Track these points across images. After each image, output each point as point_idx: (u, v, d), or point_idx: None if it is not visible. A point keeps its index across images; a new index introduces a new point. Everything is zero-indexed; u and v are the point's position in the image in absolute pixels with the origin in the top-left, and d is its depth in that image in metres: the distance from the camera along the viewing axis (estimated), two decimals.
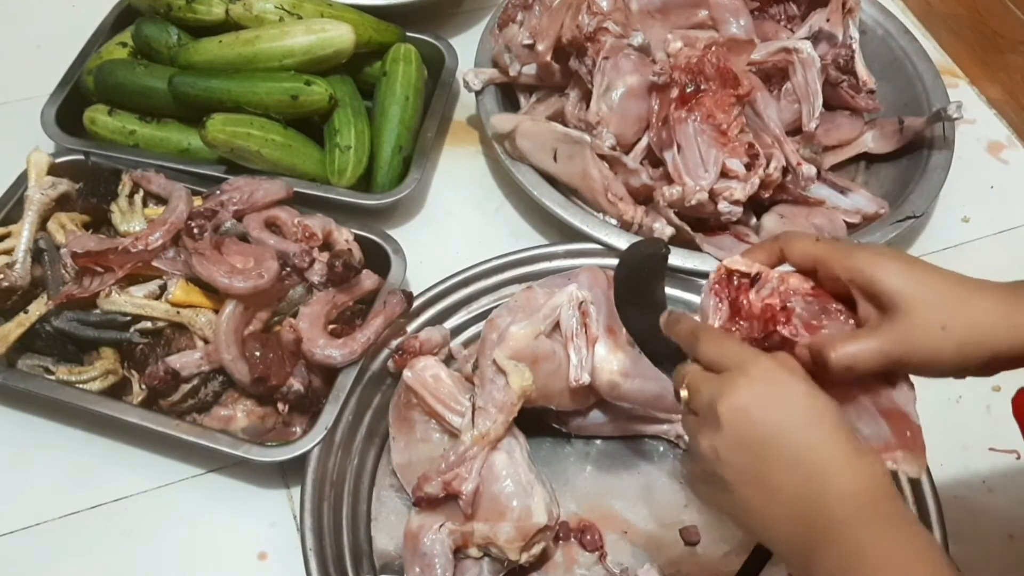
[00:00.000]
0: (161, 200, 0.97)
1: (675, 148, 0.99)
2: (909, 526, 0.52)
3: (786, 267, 0.64)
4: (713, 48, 1.03)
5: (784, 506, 0.54)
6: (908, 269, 0.58)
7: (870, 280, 0.58)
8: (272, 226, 0.95)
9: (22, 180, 0.99)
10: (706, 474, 0.57)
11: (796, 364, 0.57)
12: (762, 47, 1.05)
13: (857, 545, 0.51)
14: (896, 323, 0.56)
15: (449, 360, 0.91)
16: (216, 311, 0.88)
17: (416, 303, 0.93)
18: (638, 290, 0.77)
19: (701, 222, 1.01)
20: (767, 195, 1.02)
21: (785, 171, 1.01)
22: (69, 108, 1.09)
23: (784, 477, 0.53)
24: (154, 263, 0.89)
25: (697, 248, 0.99)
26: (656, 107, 1.02)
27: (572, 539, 0.86)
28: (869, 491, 0.52)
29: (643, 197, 1.03)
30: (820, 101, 1.03)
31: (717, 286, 0.64)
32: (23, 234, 0.94)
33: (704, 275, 0.99)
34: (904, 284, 0.57)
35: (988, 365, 0.57)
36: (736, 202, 0.98)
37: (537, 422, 0.89)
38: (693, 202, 0.97)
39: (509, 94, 1.16)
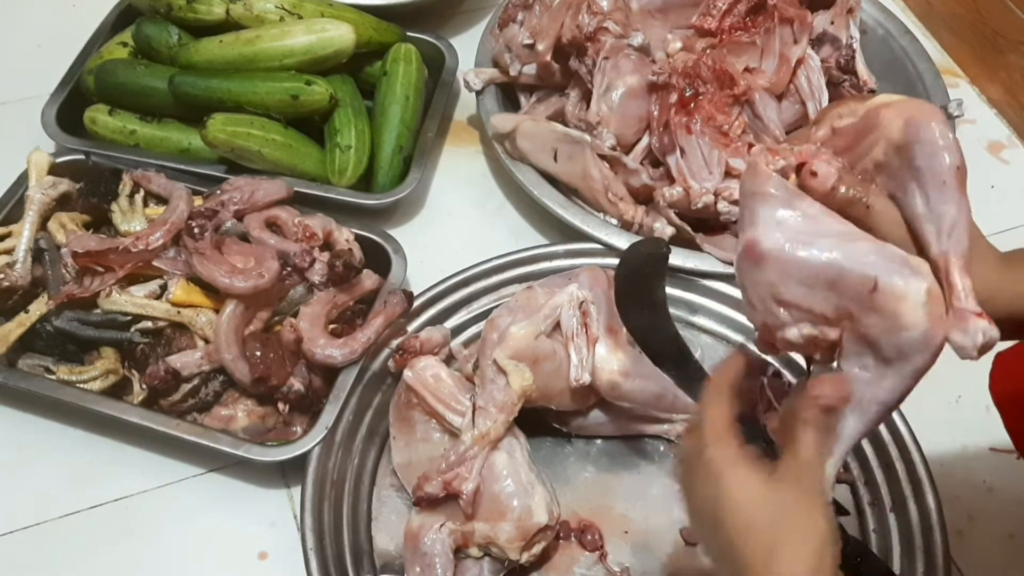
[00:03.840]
0: (161, 200, 0.97)
1: (678, 152, 0.99)
2: None
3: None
4: (709, 51, 1.03)
5: None
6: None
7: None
8: (272, 226, 0.95)
9: (23, 180, 0.99)
10: (702, 518, 0.58)
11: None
12: (766, 65, 1.05)
13: None
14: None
15: (449, 360, 0.91)
16: (216, 311, 0.88)
17: (416, 303, 0.93)
18: (639, 290, 0.77)
19: (701, 222, 1.01)
20: None
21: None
22: (69, 108, 1.09)
23: None
24: (154, 263, 0.89)
25: (697, 248, 0.99)
26: (656, 111, 1.02)
27: (572, 539, 0.86)
28: None
29: (643, 197, 1.03)
30: (826, 97, 1.04)
31: None
32: (24, 234, 0.94)
33: (704, 275, 0.99)
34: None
35: None
36: (735, 202, 0.98)
37: (537, 422, 0.89)
38: (700, 205, 0.97)
39: (509, 94, 1.16)
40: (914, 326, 0.53)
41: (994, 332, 0.54)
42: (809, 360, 0.60)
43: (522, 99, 1.16)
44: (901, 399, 0.57)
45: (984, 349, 0.54)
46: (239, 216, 0.94)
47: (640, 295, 0.77)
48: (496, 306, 0.93)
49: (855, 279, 0.53)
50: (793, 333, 0.56)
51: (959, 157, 0.56)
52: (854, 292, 0.53)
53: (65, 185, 0.98)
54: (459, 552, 0.81)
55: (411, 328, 0.94)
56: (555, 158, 1.04)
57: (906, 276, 0.53)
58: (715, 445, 0.57)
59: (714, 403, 0.60)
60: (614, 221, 1.02)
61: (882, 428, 0.89)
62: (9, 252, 0.93)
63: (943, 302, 0.54)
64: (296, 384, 0.87)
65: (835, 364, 0.57)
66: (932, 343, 0.54)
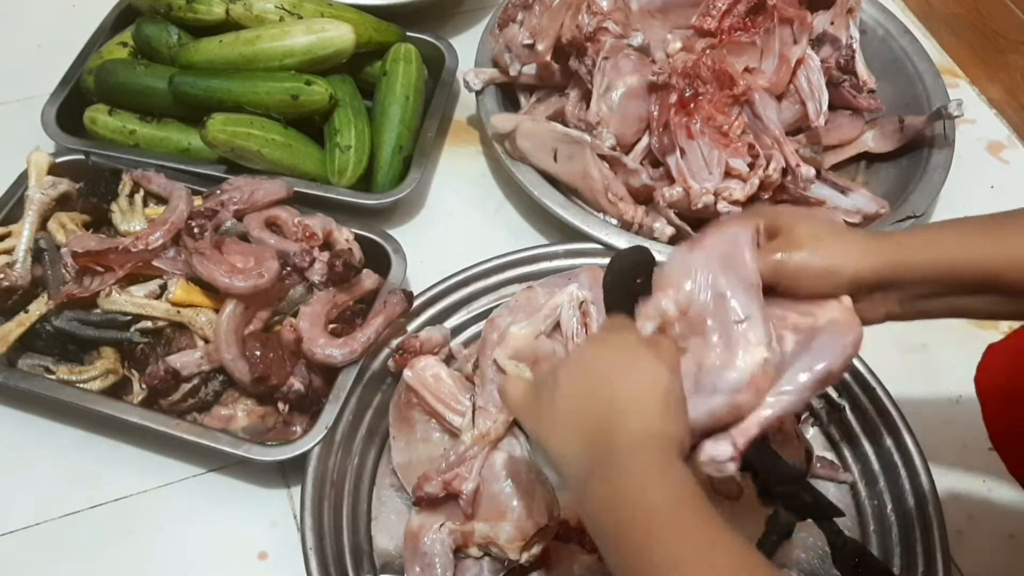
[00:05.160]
0: (161, 200, 0.97)
1: (678, 153, 0.99)
2: (684, 479, 0.57)
3: None
4: (708, 51, 1.03)
5: (586, 428, 0.60)
6: (804, 215, 0.72)
7: (775, 219, 0.70)
8: (272, 226, 0.95)
9: (22, 180, 0.99)
10: (539, 393, 0.64)
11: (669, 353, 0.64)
12: (766, 65, 1.05)
13: (631, 478, 0.57)
14: (779, 241, 0.68)
15: (449, 360, 0.91)
16: (216, 311, 0.88)
17: (416, 303, 0.93)
18: (626, 298, 0.77)
19: (701, 222, 1.01)
20: (767, 196, 1.02)
21: (784, 172, 1.01)
22: (69, 108, 1.09)
23: (598, 408, 0.60)
24: (154, 263, 0.89)
25: None
26: (656, 111, 1.02)
27: (572, 539, 0.86)
28: (657, 444, 0.58)
29: (643, 197, 1.03)
30: (826, 97, 1.04)
31: None
32: (23, 234, 0.94)
33: None
34: (792, 220, 0.69)
35: (854, 285, 0.67)
36: (735, 202, 0.98)
37: None
38: (700, 205, 0.97)
39: (509, 94, 1.16)
40: (740, 371, 0.63)
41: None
42: None
43: (522, 99, 1.16)
44: (692, 423, 0.64)
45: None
46: (239, 216, 0.94)
47: (628, 304, 0.77)
48: (496, 306, 0.93)
49: (737, 305, 0.65)
50: (666, 302, 0.67)
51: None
52: (726, 314, 0.65)
53: (65, 185, 0.98)
54: (459, 552, 0.81)
55: (411, 328, 0.94)
56: (555, 158, 1.04)
57: (762, 341, 0.65)
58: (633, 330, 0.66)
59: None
60: (614, 221, 1.02)
61: (882, 428, 0.89)
62: (9, 252, 0.93)
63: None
64: (296, 384, 0.87)
65: None
66: (738, 395, 0.63)
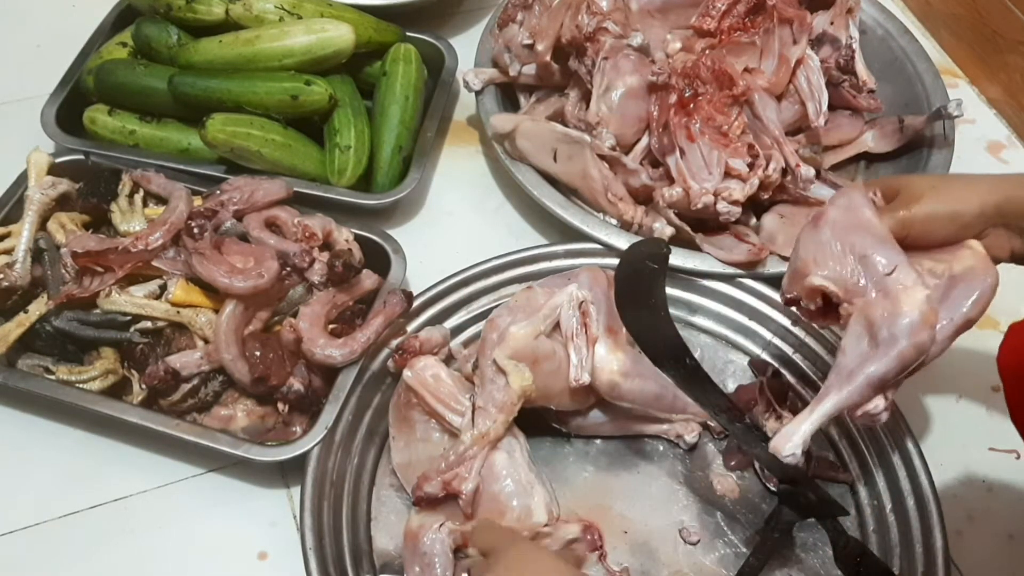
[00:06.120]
0: (161, 200, 0.97)
1: (677, 153, 0.99)
2: None
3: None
4: (708, 51, 1.03)
5: None
6: (915, 175, 0.79)
7: (888, 183, 0.77)
8: (272, 226, 0.95)
9: (22, 180, 0.99)
10: None
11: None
12: (766, 65, 1.05)
13: None
14: (900, 198, 0.74)
15: (449, 360, 0.91)
16: (216, 311, 0.88)
17: (416, 303, 0.93)
18: (639, 290, 0.77)
19: (701, 222, 1.01)
20: (766, 196, 1.02)
21: (784, 172, 1.01)
22: (69, 108, 1.09)
23: None
24: (154, 263, 0.89)
25: (697, 248, 0.99)
26: (655, 111, 1.02)
27: None
28: None
29: (643, 197, 1.03)
30: (826, 97, 1.04)
31: None
32: (23, 234, 0.94)
33: (704, 275, 0.99)
34: (907, 178, 0.75)
35: (980, 223, 0.72)
36: (735, 202, 0.98)
37: (537, 422, 0.89)
38: (700, 205, 0.97)
39: (509, 94, 1.16)
40: (909, 313, 0.68)
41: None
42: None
43: (522, 99, 1.16)
44: (884, 376, 0.69)
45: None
46: (239, 216, 0.94)
47: (640, 295, 0.77)
48: (496, 306, 0.93)
49: (882, 259, 0.70)
50: (817, 279, 0.72)
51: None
52: (875, 269, 0.70)
53: (65, 185, 0.98)
54: (459, 552, 0.81)
55: (411, 328, 0.94)
56: (555, 158, 1.04)
57: (917, 281, 0.69)
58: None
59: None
60: (614, 221, 1.02)
61: (882, 428, 0.89)
62: (9, 252, 0.93)
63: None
64: (296, 384, 0.87)
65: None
66: (918, 335, 0.68)
